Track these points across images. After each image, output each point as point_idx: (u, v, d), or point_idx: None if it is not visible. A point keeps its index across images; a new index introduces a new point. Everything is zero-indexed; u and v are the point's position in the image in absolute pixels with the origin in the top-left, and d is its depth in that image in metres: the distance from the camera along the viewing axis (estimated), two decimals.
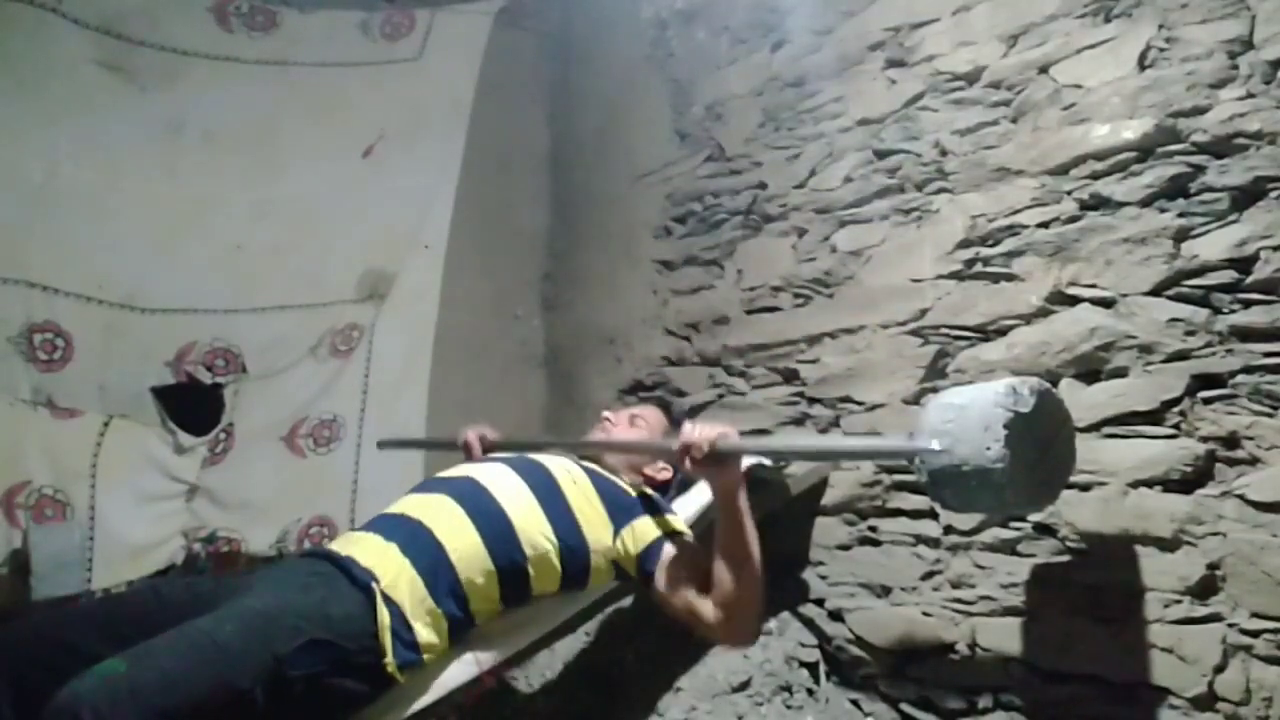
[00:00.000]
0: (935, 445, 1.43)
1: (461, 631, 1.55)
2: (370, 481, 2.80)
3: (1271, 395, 1.57)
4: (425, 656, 1.47)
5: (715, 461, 1.49)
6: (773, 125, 2.61)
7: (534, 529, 1.60)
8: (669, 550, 1.60)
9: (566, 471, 1.72)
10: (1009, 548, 1.88)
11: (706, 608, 1.51)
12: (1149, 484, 1.69)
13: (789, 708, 2.08)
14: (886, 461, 2.08)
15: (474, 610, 1.56)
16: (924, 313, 2.11)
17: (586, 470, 1.76)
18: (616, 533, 1.65)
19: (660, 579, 1.58)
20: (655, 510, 1.69)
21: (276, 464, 2.67)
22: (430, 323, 2.90)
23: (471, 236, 3.11)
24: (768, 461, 2.10)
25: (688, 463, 1.50)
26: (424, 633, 1.47)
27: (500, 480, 1.67)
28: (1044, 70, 1.95)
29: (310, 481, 2.73)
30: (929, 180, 2.15)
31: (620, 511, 1.67)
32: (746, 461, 2.01)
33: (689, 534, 1.67)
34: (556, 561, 1.61)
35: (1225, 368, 1.62)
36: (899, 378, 2.14)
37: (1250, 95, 1.64)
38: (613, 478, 1.79)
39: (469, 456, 1.93)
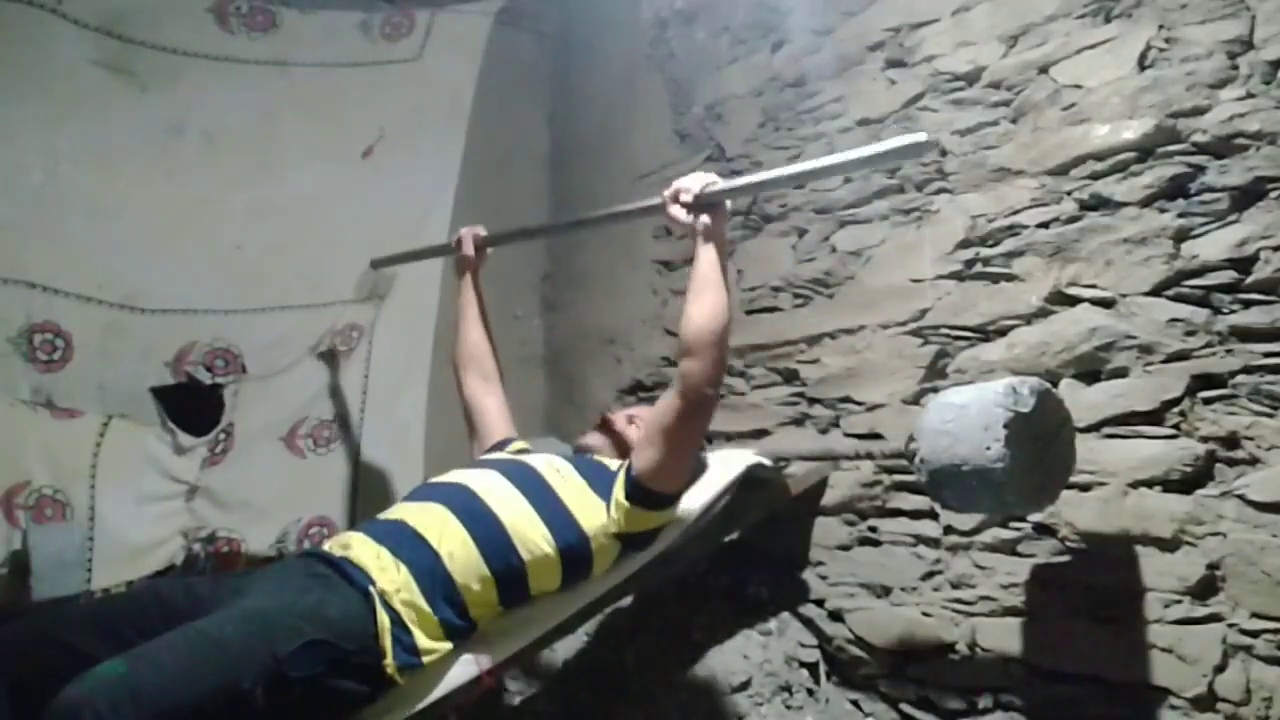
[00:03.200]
0: (924, 136, 1.38)
1: (461, 636, 1.55)
2: (370, 481, 2.80)
3: (1271, 395, 1.57)
4: (425, 659, 1.47)
5: (702, 206, 1.59)
6: (773, 125, 2.61)
7: (529, 531, 1.60)
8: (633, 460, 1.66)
9: (552, 467, 1.73)
10: (1009, 548, 1.88)
11: (671, 388, 1.59)
12: (1149, 484, 1.69)
13: (789, 708, 2.08)
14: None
15: (474, 616, 1.56)
16: (924, 313, 2.11)
17: (569, 459, 1.78)
18: (608, 505, 1.66)
19: (638, 463, 1.63)
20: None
21: (276, 464, 2.66)
22: (430, 323, 2.90)
23: None
24: (767, 461, 2.10)
25: (676, 209, 1.60)
26: (423, 639, 1.48)
27: (491, 486, 1.67)
28: (1044, 70, 1.95)
29: (310, 482, 2.72)
30: (929, 180, 2.15)
31: (604, 484, 1.69)
32: (747, 461, 2.03)
33: None
34: (556, 559, 1.61)
35: (1225, 368, 1.63)
36: (899, 378, 2.14)
37: (1250, 95, 1.64)
38: (596, 459, 1.81)
39: (460, 252, 2.16)
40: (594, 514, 1.65)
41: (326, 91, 2.68)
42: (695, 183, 1.62)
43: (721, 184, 1.62)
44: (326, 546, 1.61)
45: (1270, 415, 1.57)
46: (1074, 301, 1.84)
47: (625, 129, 3.21)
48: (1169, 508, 1.66)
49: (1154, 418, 1.70)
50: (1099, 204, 1.82)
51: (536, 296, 3.50)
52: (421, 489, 1.76)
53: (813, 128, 2.47)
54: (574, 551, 1.63)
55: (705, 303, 1.58)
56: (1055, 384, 1.78)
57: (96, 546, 2.31)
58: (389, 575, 1.49)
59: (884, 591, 2.10)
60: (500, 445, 1.95)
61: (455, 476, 1.73)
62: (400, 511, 1.64)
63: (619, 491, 1.65)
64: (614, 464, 1.77)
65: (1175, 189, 1.72)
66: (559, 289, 3.48)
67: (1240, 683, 1.54)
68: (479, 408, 2.06)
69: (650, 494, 1.64)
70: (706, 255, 1.61)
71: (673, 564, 1.99)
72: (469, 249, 2.17)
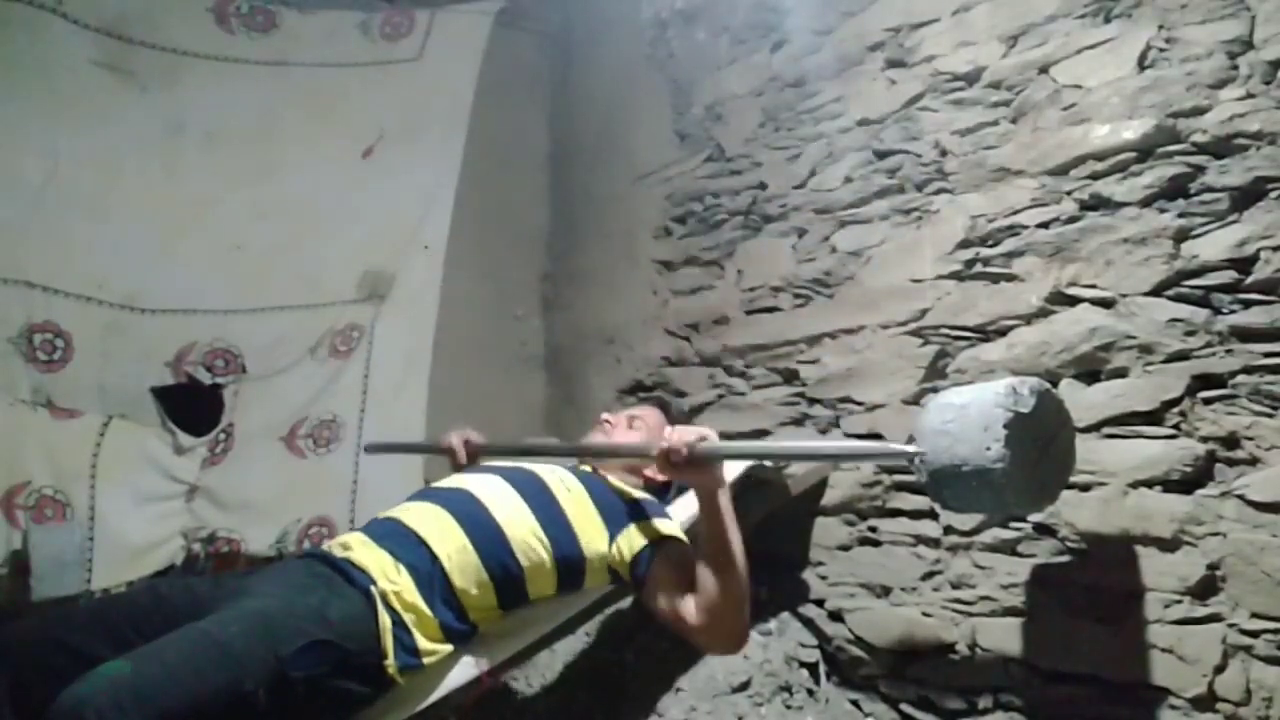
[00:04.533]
0: (912, 448, 1.42)
1: (461, 639, 1.55)
2: (370, 482, 2.80)
3: (1271, 395, 1.57)
4: (425, 661, 1.47)
5: (695, 465, 1.48)
6: (773, 125, 2.61)
7: (528, 538, 1.60)
8: (660, 557, 1.59)
9: (560, 480, 1.71)
10: (1009, 548, 1.88)
11: (690, 612, 1.50)
12: (1149, 484, 1.69)
13: (789, 708, 2.08)
14: (872, 463, 2.08)
15: (473, 620, 1.56)
16: (924, 313, 2.11)
17: (580, 476, 1.75)
18: (612, 539, 1.63)
19: (650, 585, 1.57)
20: (650, 515, 1.67)
21: (276, 464, 2.66)
22: (430, 323, 2.90)
23: (471, 236, 3.11)
24: (767, 461, 2.10)
25: (668, 466, 1.50)
26: (423, 641, 1.48)
27: (493, 491, 1.66)
28: (1044, 70, 1.95)
29: (310, 482, 2.73)
30: (929, 180, 2.15)
31: (615, 517, 1.66)
32: (741, 465, 2.03)
33: (683, 539, 1.65)
34: (552, 568, 1.61)
35: (1225, 368, 1.62)
36: (899, 378, 2.14)
37: (1250, 95, 1.64)
38: (608, 482, 1.77)
39: (453, 461, 1.89)
40: (596, 540, 1.63)
41: (326, 91, 2.68)
42: (684, 440, 1.48)
43: (713, 441, 1.51)
44: (326, 547, 1.61)
45: (1270, 415, 1.57)
46: (1074, 301, 1.84)
47: (625, 129, 3.21)
48: (1169, 508, 1.66)
49: (1154, 418, 1.70)
50: (1099, 204, 1.82)
51: (536, 296, 3.50)
52: (424, 492, 1.76)
53: (813, 128, 2.47)
54: (569, 563, 1.62)
55: (722, 575, 1.48)
56: (1055, 384, 1.78)
57: (96, 546, 2.32)
58: (389, 576, 1.49)
59: (884, 591, 2.10)
60: None
61: (458, 481, 1.73)
62: (401, 514, 1.64)
63: (628, 551, 1.60)
64: (628, 494, 1.73)
65: (1175, 189, 1.72)
66: (559, 289, 3.48)
67: (1240, 683, 1.54)
68: None
69: (646, 595, 1.59)
70: (709, 515, 1.51)
71: None
72: (462, 459, 1.89)
